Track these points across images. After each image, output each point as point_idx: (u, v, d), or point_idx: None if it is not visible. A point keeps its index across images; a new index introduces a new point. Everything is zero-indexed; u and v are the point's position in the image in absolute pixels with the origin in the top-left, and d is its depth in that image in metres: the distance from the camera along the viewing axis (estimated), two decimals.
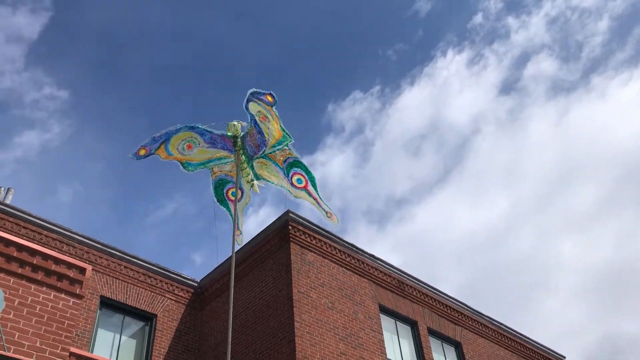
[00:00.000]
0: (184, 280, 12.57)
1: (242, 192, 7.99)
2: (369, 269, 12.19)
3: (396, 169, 43.22)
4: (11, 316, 5.91)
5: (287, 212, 11.28)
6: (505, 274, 41.25)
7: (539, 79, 43.44)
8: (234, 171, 7.62)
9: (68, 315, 6.39)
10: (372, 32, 40.59)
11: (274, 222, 11.49)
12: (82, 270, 6.76)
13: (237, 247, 8.36)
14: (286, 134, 7.31)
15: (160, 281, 12.18)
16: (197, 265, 39.49)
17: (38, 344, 5.96)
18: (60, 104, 37.85)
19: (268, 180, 7.81)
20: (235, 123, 7.34)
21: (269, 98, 6.93)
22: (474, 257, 42.13)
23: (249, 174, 7.64)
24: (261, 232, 11.71)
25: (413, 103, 42.91)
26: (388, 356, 11.09)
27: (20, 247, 6.30)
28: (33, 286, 6.24)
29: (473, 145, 43.51)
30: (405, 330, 12.27)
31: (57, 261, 6.57)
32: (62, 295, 6.47)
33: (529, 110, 43.75)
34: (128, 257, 11.87)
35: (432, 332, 12.80)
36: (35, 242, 10.68)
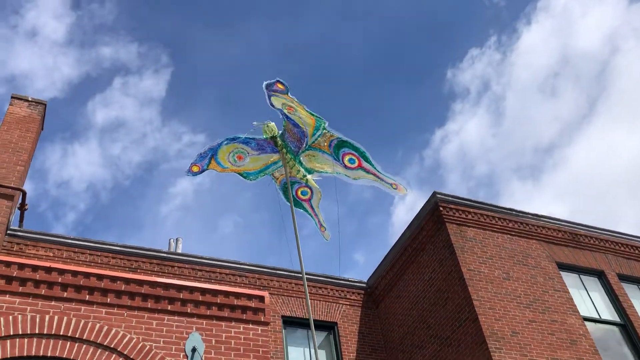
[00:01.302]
0: (353, 283, 12.82)
1: (311, 189, 7.62)
2: (536, 229, 11.56)
3: (536, 115, 40.56)
4: (212, 355, 6.39)
5: (434, 193, 11.06)
6: None
7: None
8: (293, 171, 7.23)
9: (260, 342, 6.77)
10: None
11: (423, 206, 11.32)
12: (261, 298, 7.13)
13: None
14: (317, 117, 6.81)
15: (332, 290, 12.52)
16: (361, 265, 40.03)
17: None
18: (200, 147, 40.67)
19: (321, 171, 7.37)
20: (269, 123, 6.98)
21: (280, 86, 6.50)
22: None
23: (299, 171, 7.25)
24: (413, 220, 11.60)
25: (536, 42, 40.06)
26: (582, 313, 10.40)
27: (204, 291, 6.80)
28: (223, 324, 6.70)
29: (614, 66, 39.62)
30: (592, 282, 11.43)
31: (238, 295, 6.99)
32: (250, 326, 6.86)
33: None
34: (295, 274, 12.36)
35: (624, 278, 11.79)
36: (212, 281, 11.50)
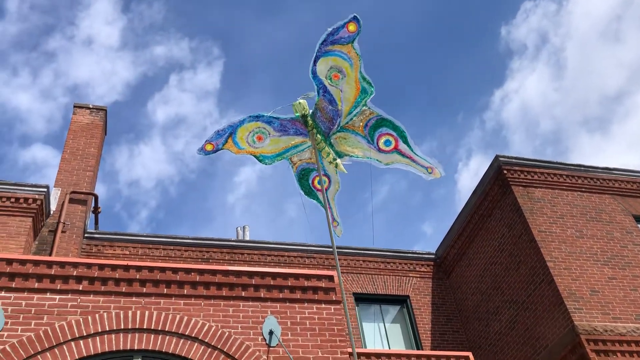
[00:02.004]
0: (422, 256, 12.74)
1: (330, 179, 7.12)
2: (607, 183, 11.09)
3: (600, 64, 38.52)
4: (289, 336, 6.52)
5: (497, 157, 10.79)
6: None
7: None
8: (315, 157, 6.78)
9: (334, 321, 6.85)
10: None
11: (486, 171, 11.07)
12: (330, 278, 7.19)
13: (337, 239, 7.07)
14: (367, 83, 6.31)
15: (400, 263, 12.50)
16: (429, 236, 39.49)
17: (320, 354, 6.48)
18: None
19: (352, 155, 6.88)
20: (301, 101, 6.53)
21: (351, 28, 5.89)
22: None
23: (329, 154, 6.79)
24: (477, 186, 11.37)
25: None
26: None
27: (274, 275, 6.93)
28: (296, 305, 6.81)
29: None
30: None
31: (307, 277, 7.08)
32: (323, 305, 6.95)
33: None
34: (362, 252, 12.41)
35: None
36: (281, 264, 11.71)
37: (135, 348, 5.94)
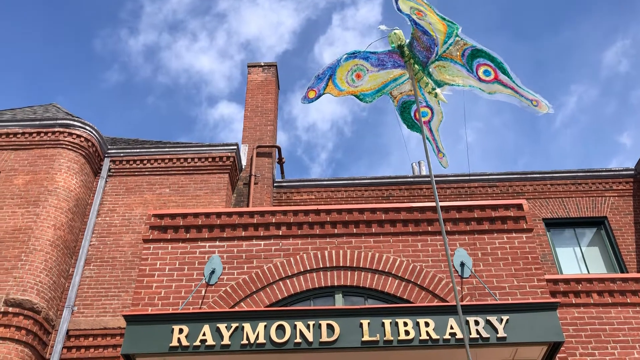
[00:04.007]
0: (619, 172, 11.68)
1: (432, 110, 6.86)
2: None
3: None
4: (481, 267, 6.51)
5: None
6: None
7: None
8: (421, 84, 6.53)
9: (527, 249, 6.67)
10: None
11: None
12: (519, 206, 6.96)
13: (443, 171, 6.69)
14: (449, 22, 5.98)
15: (593, 183, 11.61)
16: (629, 149, 35.37)
17: (515, 282, 6.39)
18: None
19: (452, 84, 6.48)
20: (396, 31, 6.29)
21: None
22: None
23: (427, 83, 6.48)
24: None
25: None
26: None
27: (459, 208, 6.91)
28: (485, 236, 6.74)
29: None
30: None
31: (494, 207, 6.93)
32: (513, 235, 6.78)
33: None
34: (549, 175, 11.73)
35: None
36: (463, 197, 11.57)
37: (335, 284, 6.40)
